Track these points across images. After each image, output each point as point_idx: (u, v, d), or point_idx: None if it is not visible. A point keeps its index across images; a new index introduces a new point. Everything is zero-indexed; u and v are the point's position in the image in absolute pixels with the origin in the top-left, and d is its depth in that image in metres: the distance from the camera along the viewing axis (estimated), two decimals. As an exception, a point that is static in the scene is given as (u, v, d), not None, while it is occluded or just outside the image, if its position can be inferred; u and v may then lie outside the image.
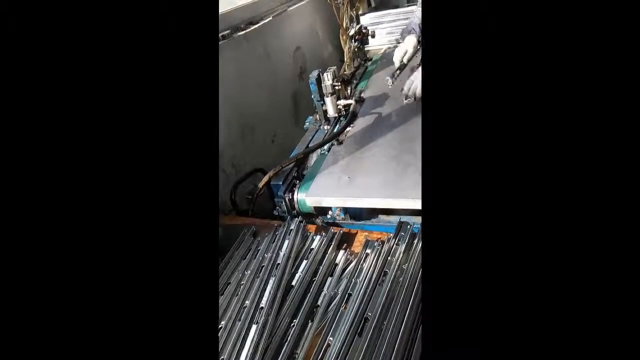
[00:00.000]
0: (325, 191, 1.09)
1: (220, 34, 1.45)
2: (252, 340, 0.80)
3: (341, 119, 1.38)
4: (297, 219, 1.08)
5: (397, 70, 1.44)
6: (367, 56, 2.02)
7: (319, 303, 0.88)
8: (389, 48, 2.07)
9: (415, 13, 1.52)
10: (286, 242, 1.01)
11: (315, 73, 1.30)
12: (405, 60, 1.48)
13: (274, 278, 0.91)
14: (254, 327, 0.82)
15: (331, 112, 1.33)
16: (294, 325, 0.83)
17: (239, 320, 0.86)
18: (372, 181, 1.07)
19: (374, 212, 1.12)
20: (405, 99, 1.36)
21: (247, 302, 0.89)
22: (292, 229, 1.05)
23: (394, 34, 2.11)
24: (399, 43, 2.00)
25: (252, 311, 0.85)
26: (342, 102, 1.34)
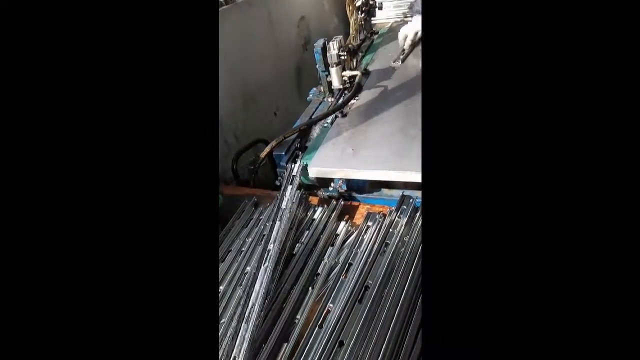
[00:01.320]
0: (328, 162, 1.08)
1: (223, -2, 1.40)
2: (253, 305, 0.80)
3: (346, 91, 1.36)
4: (299, 191, 1.07)
5: (404, 51, 1.46)
6: (374, 29, 1.97)
7: (319, 271, 0.89)
8: (396, 22, 2.01)
9: None
10: (288, 211, 1.01)
11: (320, 42, 1.26)
12: (409, 42, 1.50)
13: (273, 245, 0.91)
14: (254, 294, 0.82)
15: (336, 84, 1.30)
16: (294, 292, 0.84)
17: (240, 285, 0.86)
18: (376, 154, 1.06)
19: (376, 186, 1.11)
20: (393, 62, 1.39)
21: (248, 268, 0.90)
22: (294, 202, 1.04)
23: (401, 7, 2.04)
24: (406, 17, 1.96)
25: (252, 277, 0.86)
26: (348, 73, 1.31)
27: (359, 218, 1.04)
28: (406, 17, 1.99)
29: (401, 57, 1.48)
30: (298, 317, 0.80)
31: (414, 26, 1.52)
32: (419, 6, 1.48)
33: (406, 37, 1.52)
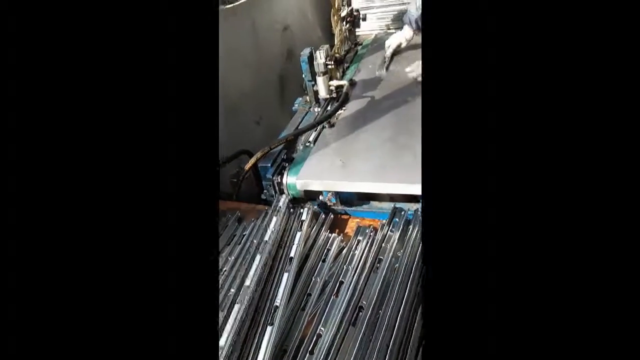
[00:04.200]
0: (317, 174, 1.03)
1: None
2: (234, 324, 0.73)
3: (333, 101, 1.32)
4: (285, 197, 1.02)
5: (385, 59, 1.50)
6: (358, 40, 1.96)
7: (310, 292, 0.83)
8: (379, 33, 2.01)
9: (411, 3, 1.51)
10: (274, 219, 0.95)
11: (307, 50, 1.23)
12: (391, 50, 1.54)
13: (259, 256, 0.85)
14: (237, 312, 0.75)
15: (322, 93, 1.27)
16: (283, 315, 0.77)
17: (222, 310, 0.79)
18: (366, 165, 1.02)
19: (365, 198, 1.07)
20: (378, 71, 1.47)
21: (232, 290, 0.83)
22: (279, 207, 0.98)
23: (384, 19, 2.05)
24: (389, 29, 1.98)
25: (236, 296, 0.79)
26: (335, 82, 1.28)
27: (349, 232, 0.99)
28: (389, 28, 2.00)
29: (385, 65, 1.50)
30: (288, 344, 0.74)
31: (399, 36, 1.55)
32: (407, 17, 1.50)
33: (389, 46, 1.55)
